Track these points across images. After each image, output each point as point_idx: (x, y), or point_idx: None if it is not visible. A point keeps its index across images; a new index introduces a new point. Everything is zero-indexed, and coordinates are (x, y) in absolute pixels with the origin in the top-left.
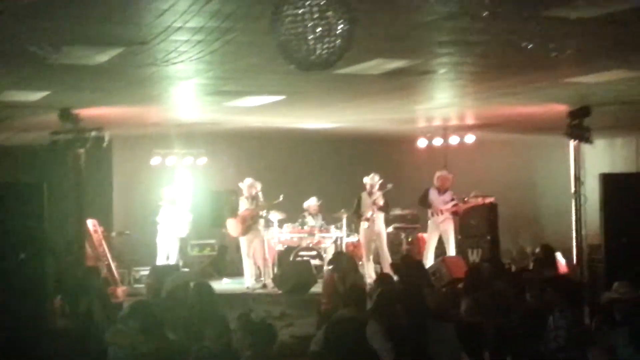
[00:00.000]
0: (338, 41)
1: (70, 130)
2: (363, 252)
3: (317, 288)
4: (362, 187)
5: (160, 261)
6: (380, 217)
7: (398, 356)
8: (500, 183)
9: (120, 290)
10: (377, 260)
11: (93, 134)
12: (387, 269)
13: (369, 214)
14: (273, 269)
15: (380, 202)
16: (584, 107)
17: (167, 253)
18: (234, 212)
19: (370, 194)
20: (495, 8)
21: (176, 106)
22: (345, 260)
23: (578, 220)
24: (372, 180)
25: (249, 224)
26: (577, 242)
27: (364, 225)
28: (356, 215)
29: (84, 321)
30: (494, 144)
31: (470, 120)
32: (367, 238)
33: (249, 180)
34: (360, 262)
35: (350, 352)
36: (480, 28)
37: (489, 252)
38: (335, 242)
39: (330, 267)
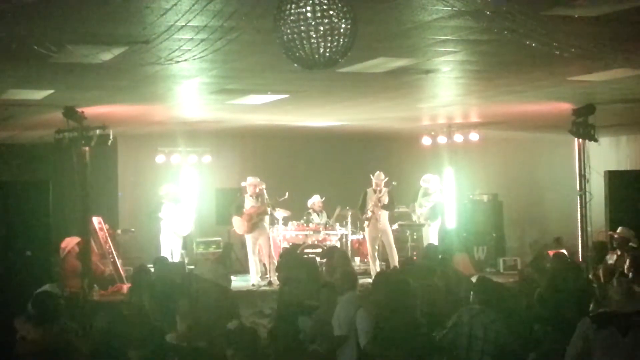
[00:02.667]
0: (341, 40)
1: (74, 128)
2: (368, 250)
3: None
4: (367, 184)
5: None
6: (384, 214)
7: (371, 342)
8: (504, 181)
9: (126, 288)
10: (383, 258)
11: (97, 132)
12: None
13: (369, 214)
14: None
15: (385, 199)
16: (588, 105)
17: (170, 250)
18: (239, 210)
19: (376, 191)
20: (498, 7)
21: (180, 104)
22: (338, 255)
23: (583, 217)
24: (377, 178)
25: (255, 222)
26: (582, 239)
27: (365, 223)
28: (360, 212)
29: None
30: (499, 141)
31: (474, 118)
32: (371, 235)
33: (251, 179)
34: (366, 260)
35: None
36: (483, 27)
37: (494, 249)
38: (340, 239)
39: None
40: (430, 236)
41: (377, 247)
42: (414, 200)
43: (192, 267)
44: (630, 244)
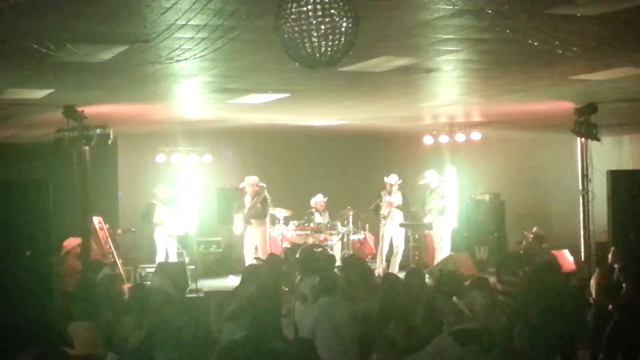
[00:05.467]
0: (342, 39)
1: (74, 127)
2: (378, 248)
3: None
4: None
5: (161, 259)
6: (398, 214)
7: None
8: (506, 180)
9: (126, 288)
10: (386, 258)
11: (98, 131)
12: (396, 266)
13: (385, 213)
14: None
15: (399, 200)
16: (590, 104)
17: (165, 250)
18: (240, 209)
19: (390, 193)
20: (500, 6)
21: (180, 104)
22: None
23: (586, 217)
24: (391, 180)
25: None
26: (584, 239)
27: (382, 222)
28: (375, 212)
29: None
30: (501, 141)
31: (476, 118)
32: (384, 234)
33: (248, 179)
34: (368, 259)
35: None
36: (485, 26)
37: (496, 248)
38: (341, 239)
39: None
40: (443, 232)
41: (385, 246)
42: (423, 204)
43: (193, 267)
44: (544, 245)
